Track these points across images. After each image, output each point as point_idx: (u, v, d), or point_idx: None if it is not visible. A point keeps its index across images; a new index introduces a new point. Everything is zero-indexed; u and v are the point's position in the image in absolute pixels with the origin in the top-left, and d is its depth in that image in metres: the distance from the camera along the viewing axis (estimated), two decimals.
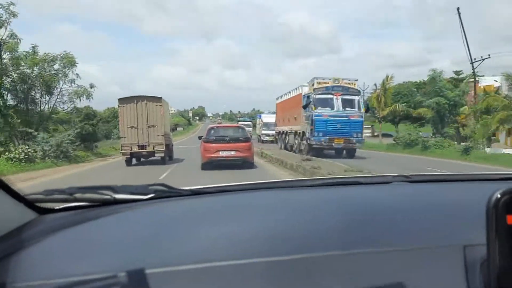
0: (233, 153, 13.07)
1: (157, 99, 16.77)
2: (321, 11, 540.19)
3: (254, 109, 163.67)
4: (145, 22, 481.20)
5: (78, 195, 1.00)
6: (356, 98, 18.03)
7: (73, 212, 1.02)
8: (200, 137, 14.00)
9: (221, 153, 13.03)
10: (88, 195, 1.03)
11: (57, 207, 1.04)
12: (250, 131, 54.13)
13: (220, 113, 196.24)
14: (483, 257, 0.64)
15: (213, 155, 13.06)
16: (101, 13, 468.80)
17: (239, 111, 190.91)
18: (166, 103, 18.08)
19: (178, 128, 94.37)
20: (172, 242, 0.82)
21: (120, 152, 16.66)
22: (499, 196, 0.60)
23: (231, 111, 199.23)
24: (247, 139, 13.71)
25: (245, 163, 13.18)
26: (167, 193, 1.10)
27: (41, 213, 1.00)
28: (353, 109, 17.71)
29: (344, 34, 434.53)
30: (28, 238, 0.84)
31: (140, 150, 16.31)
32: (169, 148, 18.37)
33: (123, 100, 16.56)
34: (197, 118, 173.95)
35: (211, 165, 13.02)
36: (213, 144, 13.21)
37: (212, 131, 14.00)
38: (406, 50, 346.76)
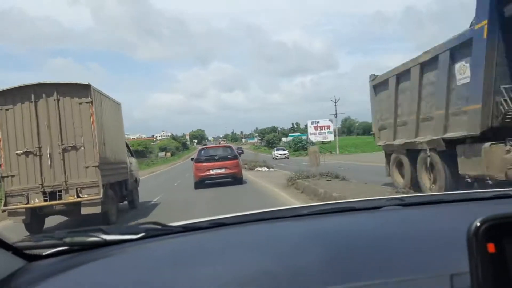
0: (222, 170, 14.67)
1: (81, 89, 7.64)
2: (314, 30, 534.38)
3: (257, 128, 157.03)
4: (138, 49, 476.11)
5: (67, 240, 0.99)
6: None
7: (63, 257, 1.00)
8: (192, 159, 15.92)
9: (211, 171, 14.62)
10: (77, 239, 1.02)
11: (46, 253, 1.01)
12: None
13: (221, 135, 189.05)
14: (469, 286, 0.62)
15: (204, 173, 14.62)
16: (93, 43, 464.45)
17: (241, 132, 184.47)
18: (107, 100, 9.03)
19: (160, 154, 76.89)
20: (164, 285, 0.81)
21: (2, 210, 7.44)
22: (478, 224, 0.58)
23: (233, 131, 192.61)
24: (235, 157, 15.32)
25: (235, 180, 14.83)
26: (159, 231, 1.11)
27: (30, 260, 0.98)
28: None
29: (339, 51, 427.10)
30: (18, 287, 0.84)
31: (48, 203, 7.36)
32: (126, 188, 9.61)
33: (4, 95, 7.49)
34: (195, 141, 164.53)
35: (203, 183, 14.44)
36: (204, 164, 14.79)
37: (202, 152, 15.81)
38: (401, 61, 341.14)
